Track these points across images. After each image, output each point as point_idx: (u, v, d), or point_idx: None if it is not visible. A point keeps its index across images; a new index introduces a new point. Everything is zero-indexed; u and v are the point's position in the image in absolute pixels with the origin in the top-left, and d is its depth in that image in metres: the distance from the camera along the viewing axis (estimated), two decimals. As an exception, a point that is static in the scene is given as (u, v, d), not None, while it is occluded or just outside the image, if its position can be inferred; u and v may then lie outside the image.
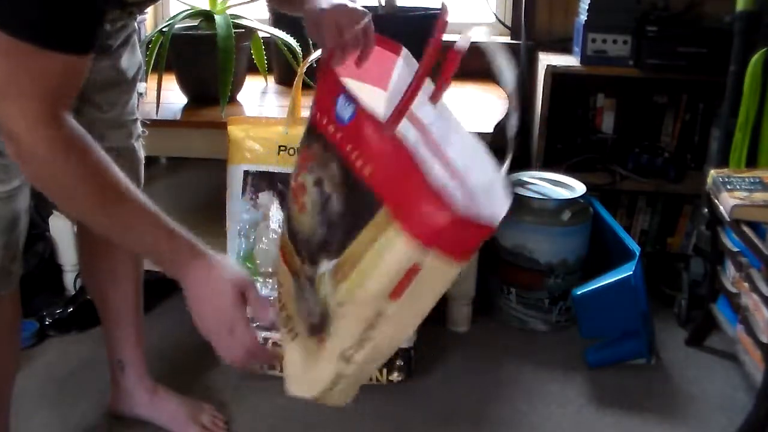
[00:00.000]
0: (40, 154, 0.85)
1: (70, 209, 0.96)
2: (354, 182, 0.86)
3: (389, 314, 0.87)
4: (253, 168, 1.76)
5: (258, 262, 1.77)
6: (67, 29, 0.84)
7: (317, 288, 0.92)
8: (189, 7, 1.97)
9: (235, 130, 1.76)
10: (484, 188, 0.92)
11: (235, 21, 1.90)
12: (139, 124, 1.48)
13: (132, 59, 1.40)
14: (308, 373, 0.96)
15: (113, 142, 1.38)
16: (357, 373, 0.95)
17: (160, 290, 2.13)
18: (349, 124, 0.88)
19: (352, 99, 0.87)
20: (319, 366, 0.94)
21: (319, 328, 0.94)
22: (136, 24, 1.41)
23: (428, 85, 1.01)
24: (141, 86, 1.50)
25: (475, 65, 2.68)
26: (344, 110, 0.88)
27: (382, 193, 0.83)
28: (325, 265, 0.90)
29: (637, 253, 1.84)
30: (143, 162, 1.51)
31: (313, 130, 0.96)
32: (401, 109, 0.86)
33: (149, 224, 0.94)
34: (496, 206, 0.87)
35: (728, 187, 1.69)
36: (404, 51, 1.07)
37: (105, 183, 0.90)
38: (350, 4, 1.06)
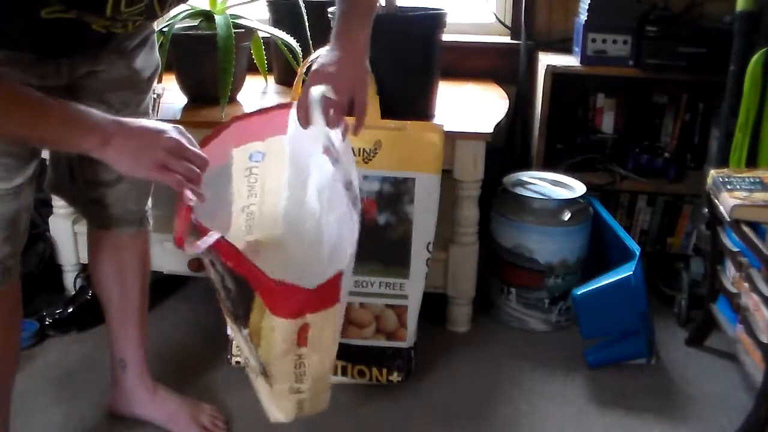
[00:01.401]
0: None
1: None
2: (230, 270, 1.05)
3: (306, 353, 1.06)
4: (253, 168, 1.76)
5: (258, 262, 1.78)
6: None
7: (249, 345, 1.11)
8: (189, 7, 1.97)
9: (235, 130, 1.76)
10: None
11: (235, 21, 1.90)
12: None
13: (148, 60, 1.39)
14: (277, 406, 1.13)
15: None
16: (313, 393, 1.13)
17: (160, 290, 2.14)
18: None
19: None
20: (281, 401, 1.11)
21: (264, 373, 1.11)
22: (154, 25, 1.40)
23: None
24: (159, 87, 1.49)
25: (475, 65, 2.69)
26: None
27: (250, 282, 1.03)
28: (244, 331, 1.11)
29: (637, 253, 1.84)
30: None
31: None
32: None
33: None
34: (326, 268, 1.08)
35: (728, 187, 1.69)
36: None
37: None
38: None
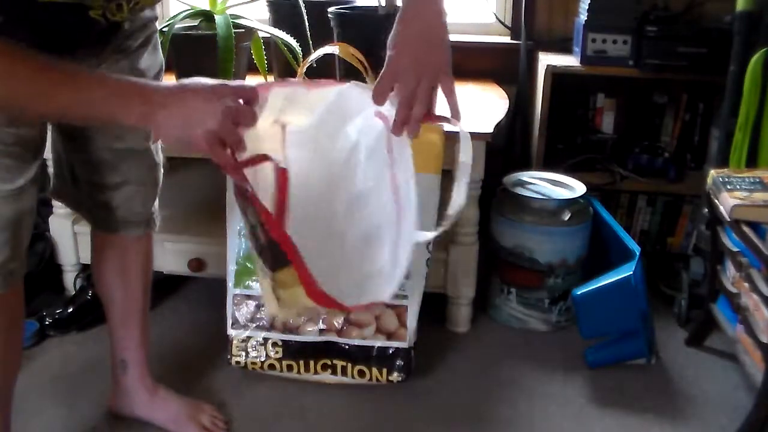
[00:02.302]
0: None
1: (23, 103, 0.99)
2: (269, 231, 1.02)
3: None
4: (253, 168, 1.76)
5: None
6: None
7: (268, 282, 1.11)
8: (189, 7, 1.97)
9: (235, 130, 1.76)
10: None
11: (235, 21, 1.90)
12: None
13: (152, 60, 1.38)
14: (280, 310, 1.14)
15: (130, 142, 1.37)
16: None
17: (160, 290, 2.14)
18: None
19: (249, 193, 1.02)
20: (285, 310, 1.13)
21: (275, 286, 1.10)
22: (156, 24, 1.40)
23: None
24: None
25: (475, 65, 2.69)
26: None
27: (288, 256, 1.01)
28: (262, 268, 1.09)
29: (637, 253, 1.84)
30: (161, 164, 1.49)
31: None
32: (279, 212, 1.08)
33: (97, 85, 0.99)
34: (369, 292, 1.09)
35: (728, 187, 1.69)
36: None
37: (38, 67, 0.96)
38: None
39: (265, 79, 2.19)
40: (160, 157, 1.49)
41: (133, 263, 1.53)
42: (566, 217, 1.94)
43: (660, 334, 1.97)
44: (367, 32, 1.65)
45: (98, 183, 1.40)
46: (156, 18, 1.39)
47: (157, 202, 1.53)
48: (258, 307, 1.77)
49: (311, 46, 1.99)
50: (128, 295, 1.54)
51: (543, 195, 1.99)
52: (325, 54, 1.67)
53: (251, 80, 2.15)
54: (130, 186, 1.42)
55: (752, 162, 1.86)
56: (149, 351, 1.60)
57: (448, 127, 1.08)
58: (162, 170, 1.51)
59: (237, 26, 1.89)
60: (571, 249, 1.97)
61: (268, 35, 2.04)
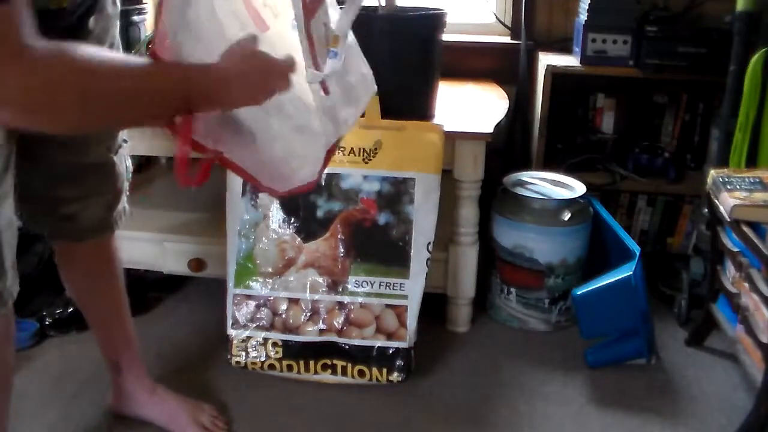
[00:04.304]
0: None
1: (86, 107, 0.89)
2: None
3: None
4: (253, 168, 1.76)
5: (258, 262, 1.78)
6: None
7: None
8: (189, 7, 1.96)
9: (235, 130, 1.76)
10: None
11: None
12: (119, 135, 1.41)
13: None
14: None
15: (92, 157, 1.34)
16: None
17: (160, 291, 2.14)
18: None
19: None
20: None
21: None
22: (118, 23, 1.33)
23: None
24: None
25: (475, 65, 2.69)
26: None
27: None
28: None
29: (637, 253, 1.84)
30: (125, 173, 1.43)
31: None
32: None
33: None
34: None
35: (728, 187, 1.69)
36: None
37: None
38: None
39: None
40: (123, 167, 1.43)
41: (100, 266, 1.49)
42: (566, 217, 1.94)
43: (660, 334, 1.97)
44: (367, 32, 1.65)
45: (61, 197, 1.34)
46: (118, 15, 1.32)
47: (124, 200, 1.46)
48: (258, 307, 1.77)
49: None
50: (103, 306, 1.52)
51: (543, 195, 1.99)
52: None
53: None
54: (92, 198, 1.37)
55: (752, 162, 1.86)
56: (148, 350, 1.60)
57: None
58: (129, 178, 1.46)
59: (237, 26, 1.89)
60: (571, 249, 1.97)
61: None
